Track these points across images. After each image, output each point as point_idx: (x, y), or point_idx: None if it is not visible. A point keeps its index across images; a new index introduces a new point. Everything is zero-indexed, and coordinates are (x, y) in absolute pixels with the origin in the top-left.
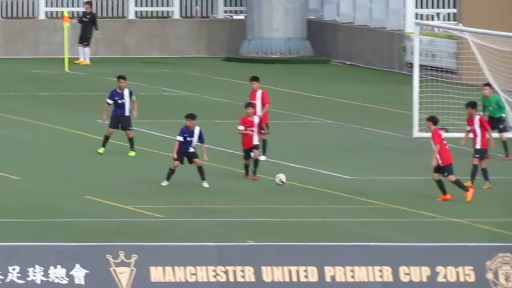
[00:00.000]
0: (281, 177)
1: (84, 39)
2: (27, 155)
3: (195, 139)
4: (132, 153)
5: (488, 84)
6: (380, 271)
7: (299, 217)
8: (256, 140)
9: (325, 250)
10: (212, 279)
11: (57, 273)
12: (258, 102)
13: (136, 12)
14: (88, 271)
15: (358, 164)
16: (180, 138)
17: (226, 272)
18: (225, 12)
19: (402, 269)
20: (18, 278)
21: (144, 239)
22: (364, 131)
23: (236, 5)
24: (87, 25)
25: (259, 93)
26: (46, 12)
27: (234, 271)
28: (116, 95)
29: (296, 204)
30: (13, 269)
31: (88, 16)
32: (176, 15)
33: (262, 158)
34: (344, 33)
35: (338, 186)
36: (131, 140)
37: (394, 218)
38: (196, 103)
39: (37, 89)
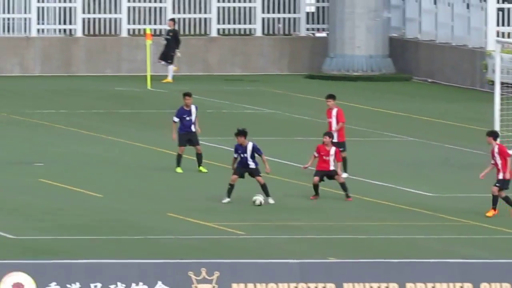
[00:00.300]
0: (260, 198)
1: (167, 57)
2: (108, 172)
3: (248, 155)
4: (203, 169)
5: None
6: (461, 287)
7: (379, 234)
8: (332, 166)
9: (406, 266)
10: None
11: None
12: (333, 120)
13: (218, 29)
14: None
15: (438, 181)
16: (235, 155)
17: None
18: (307, 29)
19: (483, 286)
20: None
21: (226, 256)
22: (445, 148)
23: (318, 23)
24: (169, 43)
25: (334, 112)
26: (129, 30)
27: None
28: (183, 112)
29: (376, 221)
30: (95, 286)
31: (170, 34)
32: (259, 33)
33: (344, 175)
34: (425, 51)
35: (418, 203)
36: (200, 156)
37: (474, 235)
38: (278, 120)
39: (119, 107)
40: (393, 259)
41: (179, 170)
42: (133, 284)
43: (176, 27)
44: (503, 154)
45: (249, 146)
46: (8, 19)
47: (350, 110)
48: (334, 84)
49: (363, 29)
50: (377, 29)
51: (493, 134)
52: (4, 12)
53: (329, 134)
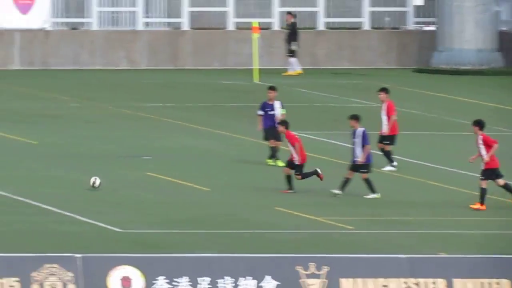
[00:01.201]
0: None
1: (287, 50)
2: (215, 166)
3: (358, 141)
4: (279, 163)
5: None
6: None
7: (491, 230)
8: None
9: None
10: None
11: (247, 284)
12: (382, 114)
13: (325, 23)
14: (278, 283)
15: None
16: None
17: (417, 284)
18: (416, 23)
19: None
20: None
21: (335, 251)
22: None
23: (426, 17)
24: (289, 36)
25: (384, 105)
26: (235, 23)
27: (426, 283)
28: (267, 106)
29: (488, 216)
30: (203, 280)
31: (288, 28)
32: (367, 26)
33: (387, 168)
34: None
35: None
36: (274, 150)
37: None
38: None
39: (225, 100)
40: (505, 255)
41: (270, 162)
42: (241, 279)
43: (294, 20)
44: (487, 143)
45: (359, 132)
46: (115, 12)
47: (458, 104)
48: (442, 78)
49: (472, 23)
50: (486, 22)
51: (479, 124)
52: (111, 6)
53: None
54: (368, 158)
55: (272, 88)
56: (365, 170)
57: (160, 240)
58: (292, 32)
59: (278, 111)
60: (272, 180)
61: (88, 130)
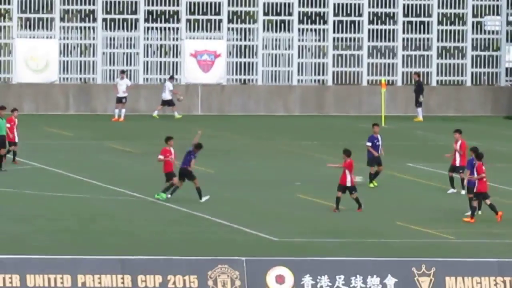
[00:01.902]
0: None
1: (416, 103)
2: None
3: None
4: (374, 184)
5: None
6: None
7: None
8: None
9: None
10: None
11: (373, 281)
12: (457, 149)
13: (437, 80)
14: (396, 280)
15: None
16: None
17: (504, 282)
18: (506, 81)
19: None
20: (343, 285)
21: (441, 256)
22: None
23: None
24: (416, 91)
25: (458, 143)
26: (368, 80)
27: (511, 281)
28: (373, 138)
29: None
30: (339, 278)
31: (416, 84)
32: (468, 83)
33: (463, 192)
34: None
35: None
36: (376, 174)
37: None
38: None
39: (360, 139)
40: None
41: (371, 185)
42: (369, 276)
43: (419, 78)
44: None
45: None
46: (275, 71)
47: None
48: None
49: None
50: None
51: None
52: (272, 66)
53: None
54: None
55: (376, 124)
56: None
57: (307, 246)
58: (418, 88)
59: (381, 141)
60: (392, 199)
61: (253, 161)
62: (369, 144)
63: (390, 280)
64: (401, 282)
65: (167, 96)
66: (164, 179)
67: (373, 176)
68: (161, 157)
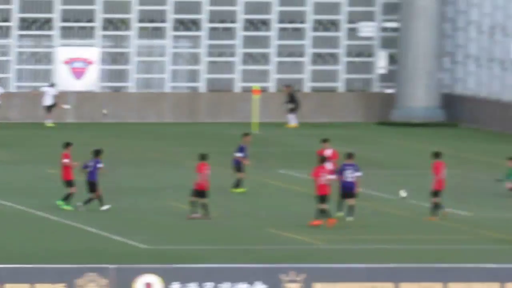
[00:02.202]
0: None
1: (287, 109)
2: (224, 198)
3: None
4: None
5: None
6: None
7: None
8: None
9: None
10: None
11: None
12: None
13: (310, 87)
14: (266, 286)
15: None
16: None
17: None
18: (380, 87)
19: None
20: None
21: (310, 262)
22: (486, 180)
23: (388, 81)
24: (288, 100)
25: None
26: (241, 87)
27: (382, 287)
28: (244, 148)
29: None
30: (208, 285)
31: (288, 98)
32: (342, 89)
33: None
34: (469, 103)
35: (462, 221)
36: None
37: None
38: (358, 157)
39: (231, 146)
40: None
41: (237, 190)
42: (237, 283)
43: (290, 90)
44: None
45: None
46: (147, 79)
47: (410, 149)
48: (398, 130)
49: (422, 86)
50: (432, 86)
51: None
52: (145, 73)
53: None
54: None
55: (247, 134)
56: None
57: (177, 254)
58: (290, 98)
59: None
60: (265, 206)
61: (124, 169)
62: (240, 155)
63: (259, 287)
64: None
65: (47, 101)
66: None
67: (237, 182)
68: (66, 160)
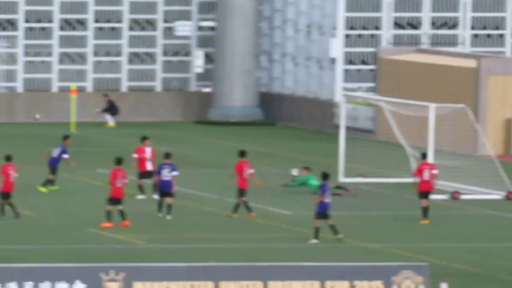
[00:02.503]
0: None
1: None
2: (42, 197)
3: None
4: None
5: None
6: (311, 284)
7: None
8: None
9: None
10: None
11: (62, 287)
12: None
13: (127, 86)
14: (85, 285)
15: (295, 200)
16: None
17: (192, 286)
18: (197, 86)
19: (328, 284)
20: None
21: (130, 261)
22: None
23: (205, 80)
24: (106, 108)
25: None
26: (58, 86)
27: (199, 285)
28: (65, 147)
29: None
30: (27, 284)
31: (107, 106)
32: (159, 89)
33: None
34: (287, 102)
35: (281, 220)
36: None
37: (323, 244)
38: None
39: (50, 145)
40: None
41: (43, 189)
42: (57, 282)
43: (108, 99)
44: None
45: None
46: None
47: (228, 148)
48: (216, 129)
49: (239, 85)
50: (249, 85)
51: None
52: None
53: None
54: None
55: (67, 136)
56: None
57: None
58: (110, 105)
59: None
60: (82, 205)
61: None
62: (67, 156)
63: (79, 286)
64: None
65: None
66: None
67: (46, 181)
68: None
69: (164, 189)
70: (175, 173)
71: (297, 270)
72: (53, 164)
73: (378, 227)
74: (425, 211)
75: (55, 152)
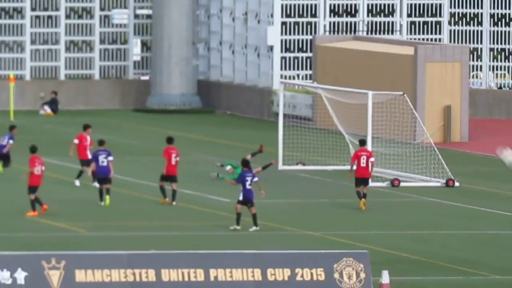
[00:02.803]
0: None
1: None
2: None
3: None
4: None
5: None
6: (252, 272)
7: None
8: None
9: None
10: None
11: (4, 275)
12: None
13: (65, 74)
14: (27, 273)
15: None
16: None
17: (134, 274)
18: (135, 74)
19: (269, 271)
20: None
21: (71, 249)
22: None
23: (143, 68)
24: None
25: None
26: None
27: (140, 273)
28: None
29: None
30: None
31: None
32: (97, 77)
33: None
34: (226, 90)
35: (222, 208)
36: None
37: (262, 232)
38: (112, 144)
39: None
40: (199, 251)
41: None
42: (1, 271)
43: (55, 96)
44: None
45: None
46: None
47: (165, 135)
48: (155, 117)
49: (177, 73)
50: (187, 73)
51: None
52: None
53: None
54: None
55: (13, 126)
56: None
57: None
58: (52, 101)
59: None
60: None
61: None
62: (6, 142)
63: (20, 274)
64: (31, 276)
65: None
66: None
67: None
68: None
69: (102, 175)
70: (110, 158)
71: (239, 258)
72: (0, 150)
73: (317, 214)
74: (360, 194)
75: (3, 140)
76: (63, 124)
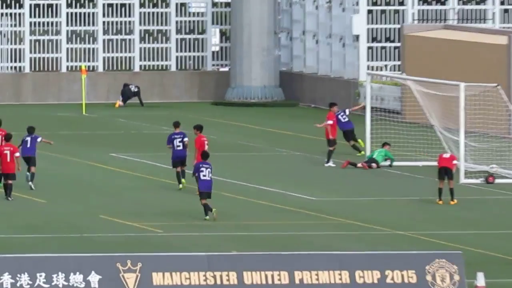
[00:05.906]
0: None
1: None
2: (52, 182)
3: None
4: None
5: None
6: (340, 274)
7: (271, 231)
8: None
9: (293, 258)
10: None
11: (76, 278)
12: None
13: (140, 65)
14: (101, 277)
15: (320, 187)
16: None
17: (214, 277)
18: (213, 65)
19: (358, 273)
20: (44, 283)
21: (147, 250)
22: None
23: (221, 60)
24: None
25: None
26: (67, 66)
27: (221, 276)
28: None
29: (267, 220)
30: (40, 276)
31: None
32: (173, 68)
33: None
34: (309, 82)
35: (304, 206)
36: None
37: (349, 231)
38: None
39: (60, 129)
40: (283, 252)
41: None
42: (71, 274)
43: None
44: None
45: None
46: None
47: (248, 130)
48: (235, 110)
49: (258, 64)
50: (269, 64)
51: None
52: None
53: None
54: None
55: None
56: None
57: (5, 243)
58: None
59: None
60: (97, 193)
61: None
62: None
63: (94, 277)
64: (106, 279)
65: None
66: None
67: None
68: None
69: (178, 159)
70: (186, 139)
71: (325, 259)
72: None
73: (407, 213)
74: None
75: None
76: (136, 118)
